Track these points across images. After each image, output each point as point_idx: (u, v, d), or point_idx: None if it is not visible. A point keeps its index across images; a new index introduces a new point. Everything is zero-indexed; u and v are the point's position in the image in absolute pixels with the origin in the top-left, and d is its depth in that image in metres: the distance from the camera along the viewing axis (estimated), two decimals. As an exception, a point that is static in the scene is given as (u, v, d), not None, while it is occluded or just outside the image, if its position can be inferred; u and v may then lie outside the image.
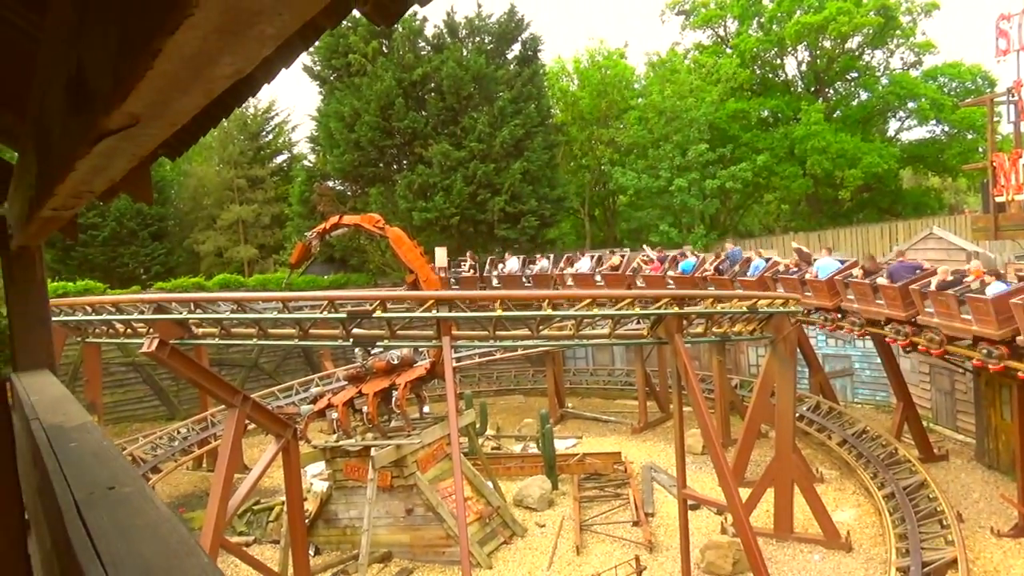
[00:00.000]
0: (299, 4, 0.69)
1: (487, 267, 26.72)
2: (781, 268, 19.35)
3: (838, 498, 17.08)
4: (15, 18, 2.39)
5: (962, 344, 14.19)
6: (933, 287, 14.45)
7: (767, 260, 20.17)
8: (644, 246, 27.37)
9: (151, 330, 14.35)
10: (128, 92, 0.85)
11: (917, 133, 39.69)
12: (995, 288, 13.29)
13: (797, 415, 17.43)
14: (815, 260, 18.77)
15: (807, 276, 18.21)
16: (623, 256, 24.47)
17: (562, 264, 25.39)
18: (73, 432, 1.76)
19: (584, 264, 24.62)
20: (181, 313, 14.82)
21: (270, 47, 0.75)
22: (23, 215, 2.41)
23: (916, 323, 15.05)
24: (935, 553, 12.84)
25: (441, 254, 25.98)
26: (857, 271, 17.08)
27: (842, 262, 18.25)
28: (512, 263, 26.10)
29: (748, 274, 19.87)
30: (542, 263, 25.82)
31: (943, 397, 20.74)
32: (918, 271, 15.63)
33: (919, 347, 15.29)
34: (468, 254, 27.81)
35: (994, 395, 17.73)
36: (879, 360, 19.87)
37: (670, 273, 22.38)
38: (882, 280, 16.02)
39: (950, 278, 14.46)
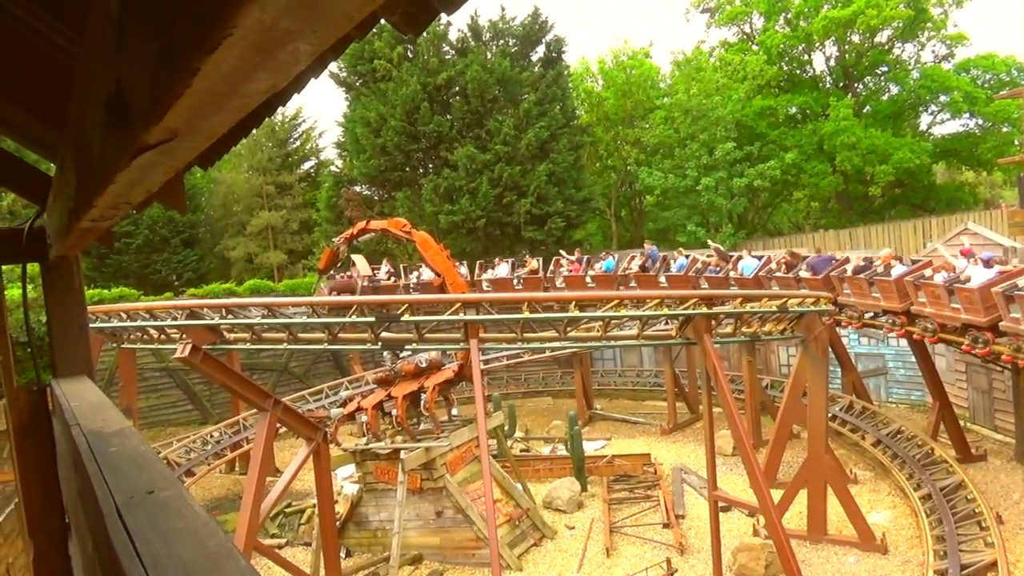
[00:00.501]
0: (333, 21, 0.71)
1: (403, 274, 25.96)
2: (700, 266, 20.94)
3: (873, 499, 16.80)
4: (53, 35, 2.46)
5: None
6: (849, 273, 17.03)
7: (687, 257, 21.86)
8: (561, 251, 26.80)
9: (184, 336, 14.57)
10: (167, 109, 0.87)
11: (950, 127, 38.90)
12: (897, 270, 15.98)
13: (829, 415, 17.24)
14: (732, 258, 20.83)
15: (731, 274, 19.99)
16: (538, 261, 25.15)
17: (477, 270, 25.30)
18: (112, 437, 1.79)
19: (502, 269, 24.95)
20: (213, 319, 15.04)
21: (304, 63, 0.76)
22: (62, 226, 2.47)
23: (837, 303, 17.52)
24: (974, 555, 12.57)
25: (361, 262, 24.19)
26: (775, 265, 19.16)
27: (759, 259, 20.25)
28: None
29: (673, 269, 21.45)
30: (460, 270, 25.53)
31: (980, 396, 20.30)
32: (833, 260, 18.16)
33: (843, 323, 18.15)
34: (385, 260, 27.09)
35: (1034, 393, 17.37)
36: (914, 359, 19.53)
37: (591, 273, 23.01)
38: (804, 272, 18.14)
39: (862, 263, 17.03)
